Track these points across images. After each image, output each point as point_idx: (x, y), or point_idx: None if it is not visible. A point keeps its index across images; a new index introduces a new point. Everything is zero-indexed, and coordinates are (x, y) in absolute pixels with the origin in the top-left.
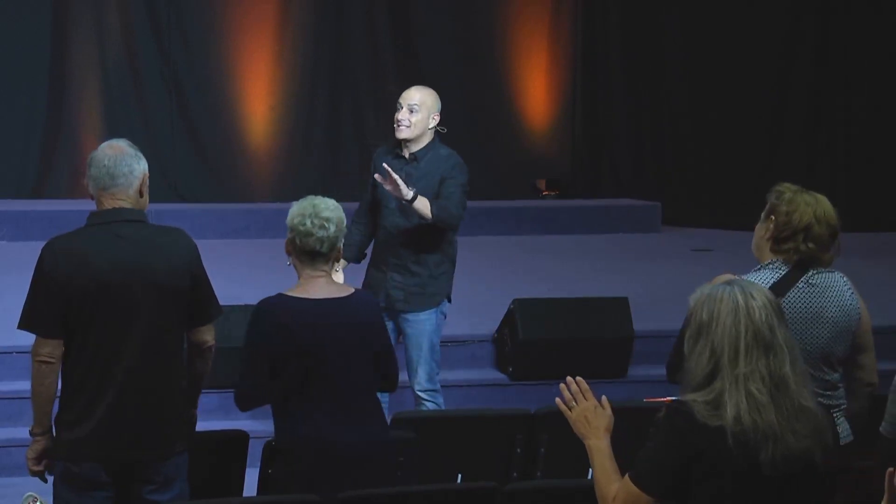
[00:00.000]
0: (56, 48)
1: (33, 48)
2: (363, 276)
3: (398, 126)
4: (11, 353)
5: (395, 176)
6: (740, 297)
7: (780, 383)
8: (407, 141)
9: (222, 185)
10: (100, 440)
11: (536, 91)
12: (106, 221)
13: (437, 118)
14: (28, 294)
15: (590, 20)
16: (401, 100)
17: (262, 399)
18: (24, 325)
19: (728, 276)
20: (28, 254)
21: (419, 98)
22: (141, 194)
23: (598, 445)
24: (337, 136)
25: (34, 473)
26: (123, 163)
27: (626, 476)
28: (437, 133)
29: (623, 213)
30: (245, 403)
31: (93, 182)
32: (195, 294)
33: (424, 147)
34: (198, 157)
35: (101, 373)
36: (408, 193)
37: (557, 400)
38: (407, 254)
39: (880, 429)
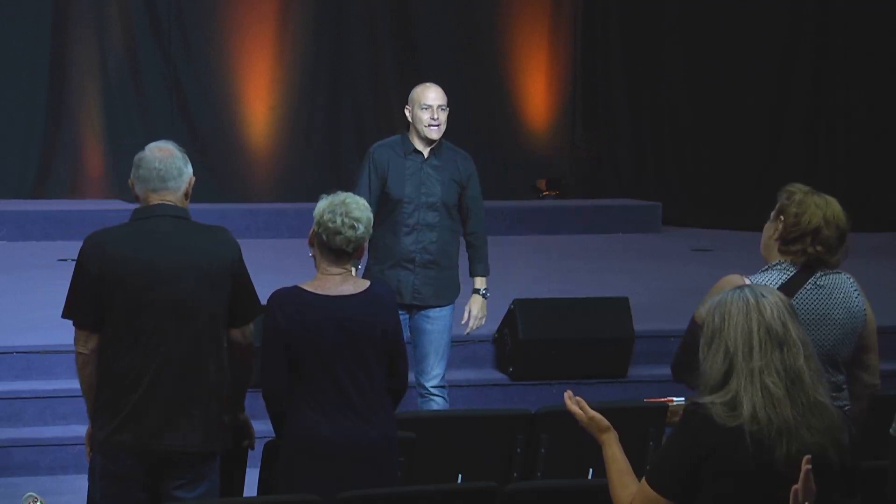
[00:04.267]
0: (56, 48)
1: (33, 48)
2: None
3: (431, 127)
4: (12, 353)
5: (474, 319)
6: (751, 297)
7: (796, 378)
8: (434, 141)
9: (222, 185)
10: (136, 434)
11: (536, 91)
12: (150, 216)
13: None
14: (70, 285)
15: (590, 20)
16: (427, 101)
17: (287, 393)
18: (65, 314)
19: (736, 277)
20: (28, 254)
21: (443, 97)
22: (186, 196)
23: (608, 451)
24: (337, 136)
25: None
26: (174, 165)
27: (643, 479)
28: None
29: (623, 213)
30: (274, 401)
31: (141, 183)
32: (236, 292)
33: (438, 143)
34: (198, 157)
35: (141, 367)
36: (484, 310)
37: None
38: (436, 248)
39: (890, 430)
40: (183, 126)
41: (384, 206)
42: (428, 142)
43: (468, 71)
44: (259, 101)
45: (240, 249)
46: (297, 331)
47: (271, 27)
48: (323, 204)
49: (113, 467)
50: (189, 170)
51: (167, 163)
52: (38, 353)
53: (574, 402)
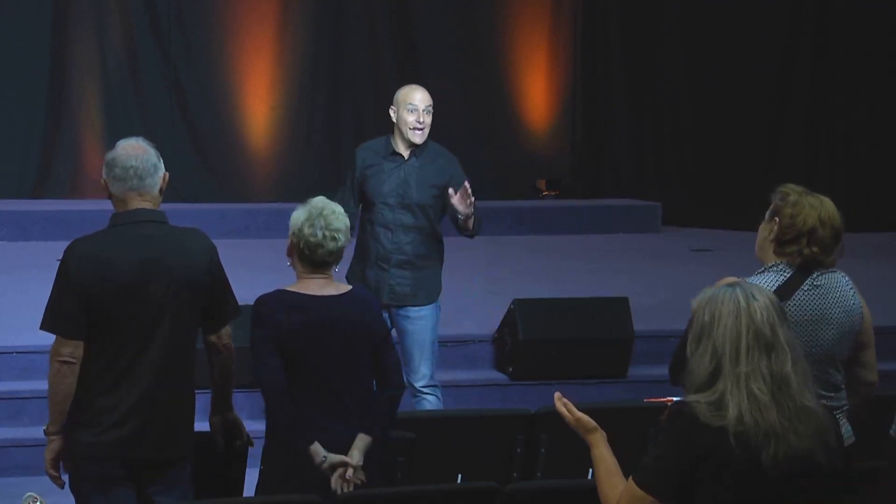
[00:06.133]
0: (56, 48)
1: (33, 48)
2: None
3: (416, 131)
4: (12, 353)
5: (460, 198)
6: (742, 298)
7: (782, 383)
8: (417, 145)
9: (222, 185)
10: (122, 440)
11: (536, 91)
12: (129, 222)
13: None
14: (51, 295)
15: (590, 20)
16: (413, 101)
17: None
18: (46, 326)
19: (731, 280)
20: (28, 254)
21: (429, 99)
22: (161, 193)
23: (595, 451)
24: (337, 136)
25: (53, 478)
26: (149, 163)
27: (630, 479)
28: None
29: (623, 213)
30: (279, 400)
31: (117, 183)
32: (214, 294)
33: (422, 144)
34: (198, 157)
35: (125, 373)
36: (470, 211)
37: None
38: (412, 249)
39: (890, 431)
40: (183, 126)
41: (364, 206)
42: (410, 144)
43: (468, 71)
44: (259, 101)
45: (216, 251)
46: (291, 331)
47: (271, 27)
48: (300, 215)
49: (99, 470)
50: (162, 166)
51: (143, 161)
52: (38, 353)
53: (562, 404)
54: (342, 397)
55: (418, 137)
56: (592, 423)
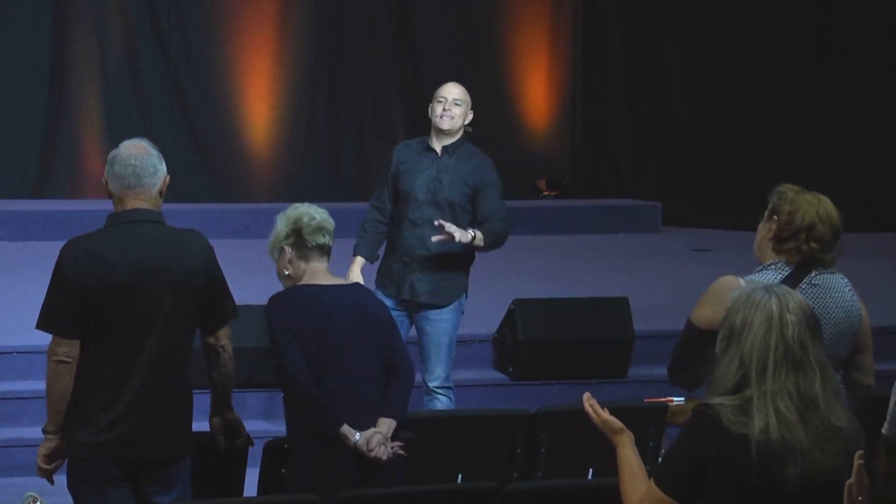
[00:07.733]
0: (56, 48)
1: (33, 48)
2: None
3: (441, 117)
4: (11, 353)
5: (451, 227)
6: (776, 310)
7: (810, 402)
8: (444, 133)
9: (222, 185)
10: (118, 439)
11: (536, 91)
12: (126, 222)
13: (471, 116)
14: (47, 294)
15: (590, 20)
16: (442, 94)
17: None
18: (42, 325)
19: (731, 279)
20: (28, 254)
21: (460, 93)
22: (161, 195)
23: (621, 453)
24: (337, 137)
25: (43, 473)
26: (149, 163)
27: (651, 480)
28: (464, 132)
29: (623, 213)
30: (307, 388)
31: (116, 180)
32: (211, 295)
33: (455, 142)
34: (198, 157)
35: (120, 372)
36: (467, 236)
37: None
38: (436, 246)
39: (882, 430)
40: (183, 126)
41: (397, 201)
42: (441, 136)
43: (468, 71)
44: (259, 101)
45: (214, 252)
46: (308, 320)
47: (271, 27)
48: (289, 215)
49: (97, 470)
50: (163, 168)
51: (143, 160)
52: (38, 353)
53: (589, 405)
54: (356, 387)
55: (443, 123)
56: (619, 424)
